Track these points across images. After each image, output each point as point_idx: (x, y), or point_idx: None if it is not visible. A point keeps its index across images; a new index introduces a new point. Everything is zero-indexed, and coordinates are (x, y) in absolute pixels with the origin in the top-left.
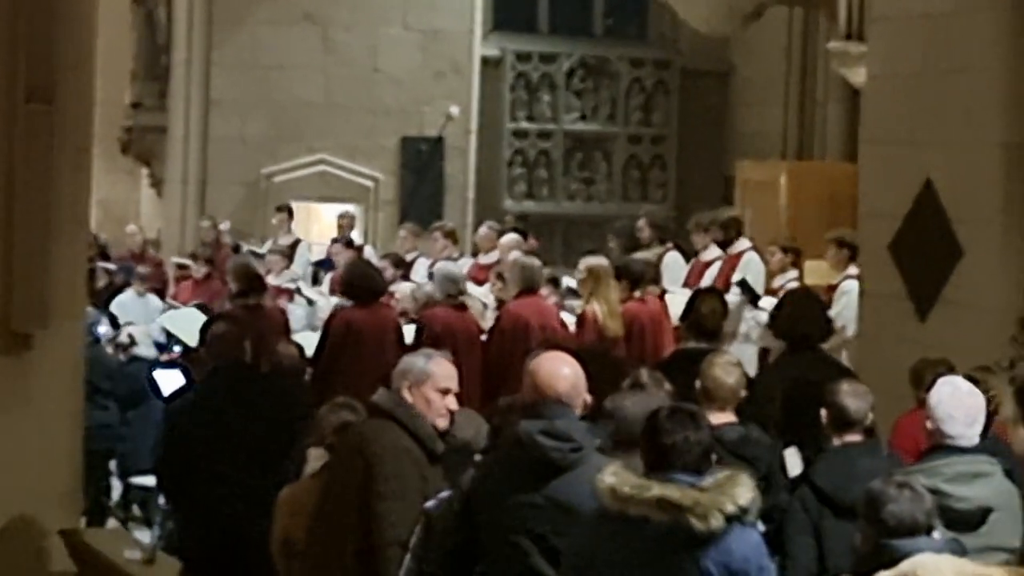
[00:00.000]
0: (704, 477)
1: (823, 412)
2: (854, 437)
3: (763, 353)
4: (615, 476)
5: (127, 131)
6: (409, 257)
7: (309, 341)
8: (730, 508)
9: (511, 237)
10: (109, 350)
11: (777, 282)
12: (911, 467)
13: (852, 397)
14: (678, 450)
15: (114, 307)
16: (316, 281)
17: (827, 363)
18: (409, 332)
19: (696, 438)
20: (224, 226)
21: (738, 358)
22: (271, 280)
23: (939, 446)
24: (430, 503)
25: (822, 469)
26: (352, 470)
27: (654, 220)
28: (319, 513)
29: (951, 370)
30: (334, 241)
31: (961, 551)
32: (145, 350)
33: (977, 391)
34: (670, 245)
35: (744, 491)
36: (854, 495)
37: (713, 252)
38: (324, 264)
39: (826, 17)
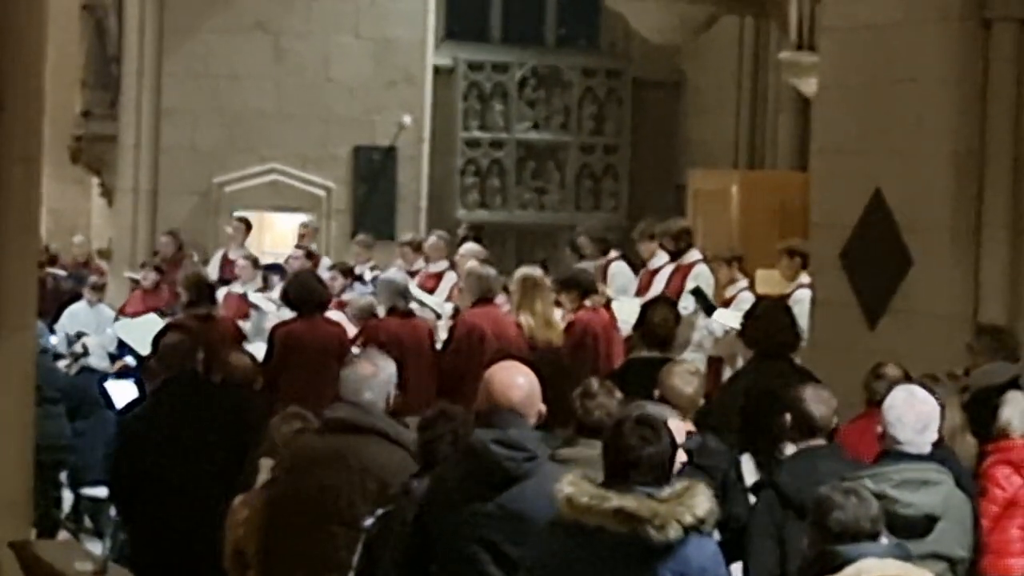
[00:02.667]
0: (662, 488)
1: (787, 417)
2: (818, 442)
3: (713, 362)
4: (573, 486)
5: (77, 140)
6: (359, 269)
7: (260, 352)
8: (688, 519)
9: (470, 246)
10: (64, 361)
11: (729, 292)
12: (861, 471)
13: (817, 403)
14: (639, 465)
15: (65, 317)
16: (267, 283)
17: (797, 372)
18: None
19: (658, 451)
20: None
21: (697, 366)
22: (237, 288)
23: (889, 451)
24: (368, 521)
25: (785, 472)
26: (348, 484)
27: (593, 233)
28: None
29: (907, 377)
30: (297, 247)
31: (906, 556)
32: (97, 361)
33: (932, 399)
34: (616, 255)
35: (702, 501)
36: None
37: (661, 259)
38: (275, 269)
39: (777, 27)
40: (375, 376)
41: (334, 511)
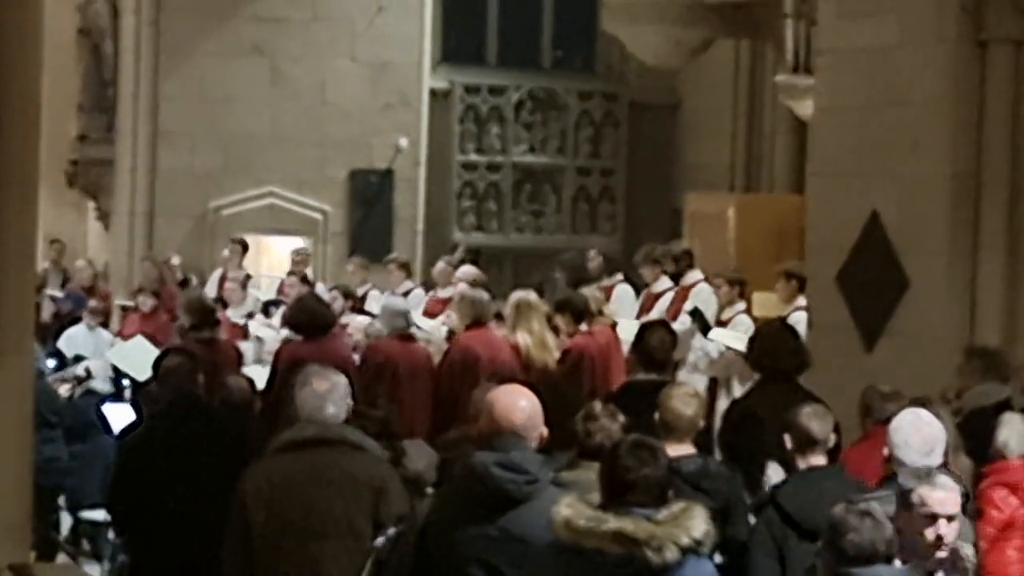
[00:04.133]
0: (660, 509)
1: (786, 436)
2: (818, 459)
3: (712, 383)
4: (570, 508)
5: (74, 164)
6: (360, 291)
7: (258, 376)
8: (685, 540)
9: (466, 269)
10: (66, 385)
11: (726, 314)
12: (868, 494)
13: (814, 419)
14: (636, 484)
15: (63, 340)
16: (267, 314)
17: (801, 394)
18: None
19: (654, 475)
20: (175, 260)
21: (696, 389)
22: (229, 312)
23: (896, 474)
24: (379, 539)
25: (788, 492)
26: (340, 498)
27: (605, 252)
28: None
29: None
30: (289, 274)
31: None
32: (101, 384)
33: (936, 422)
34: (620, 277)
35: (699, 523)
36: (818, 518)
37: (664, 284)
38: (275, 304)
39: (773, 50)
40: (333, 390)
41: (329, 527)
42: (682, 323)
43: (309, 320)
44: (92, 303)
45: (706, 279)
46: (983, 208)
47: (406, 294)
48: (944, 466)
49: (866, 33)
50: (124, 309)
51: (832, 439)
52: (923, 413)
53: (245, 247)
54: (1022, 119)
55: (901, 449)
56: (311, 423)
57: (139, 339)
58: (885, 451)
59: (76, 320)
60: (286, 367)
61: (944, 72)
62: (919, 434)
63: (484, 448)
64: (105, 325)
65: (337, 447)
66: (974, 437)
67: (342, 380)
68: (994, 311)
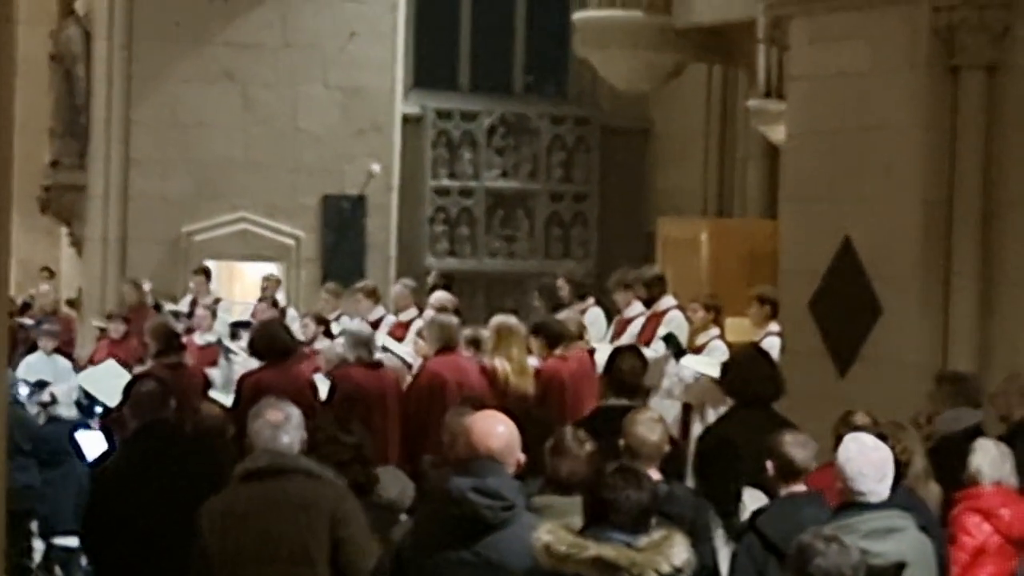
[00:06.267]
0: (640, 536)
1: (768, 464)
2: (799, 486)
3: (686, 409)
4: (551, 534)
5: (46, 190)
6: (332, 316)
7: (226, 402)
8: (665, 568)
9: (439, 295)
10: (33, 409)
11: (701, 339)
12: (827, 524)
13: (797, 447)
14: (618, 508)
15: (22, 368)
16: (235, 336)
17: (777, 421)
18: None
19: (637, 498)
20: (147, 286)
21: (660, 414)
22: (197, 338)
23: (851, 503)
24: None
25: (768, 518)
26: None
27: (572, 277)
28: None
29: (876, 424)
30: (259, 300)
31: None
32: (66, 410)
33: (883, 445)
34: (591, 301)
35: (680, 551)
36: None
37: (636, 309)
38: (245, 326)
39: (745, 75)
40: (288, 420)
41: (284, 553)
42: (655, 350)
43: (270, 345)
44: (46, 326)
45: (678, 305)
46: (955, 234)
47: (377, 322)
48: (895, 489)
49: (838, 59)
50: (101, 331)
51: (813, 466)
52: (866, 438)
53: (208, 274)
54: (993, 145)
55: (855, 480)
56: (263, 453)
57: (110, 363)
58: (839, 484)
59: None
60: (249, 395)
61: (916, 98)
62: (870, 461)
63: (461, 473)
64: (70, 350)
65: (292, 475)
66: (945, 463)
67: (296, 411)
68: (966, 337)
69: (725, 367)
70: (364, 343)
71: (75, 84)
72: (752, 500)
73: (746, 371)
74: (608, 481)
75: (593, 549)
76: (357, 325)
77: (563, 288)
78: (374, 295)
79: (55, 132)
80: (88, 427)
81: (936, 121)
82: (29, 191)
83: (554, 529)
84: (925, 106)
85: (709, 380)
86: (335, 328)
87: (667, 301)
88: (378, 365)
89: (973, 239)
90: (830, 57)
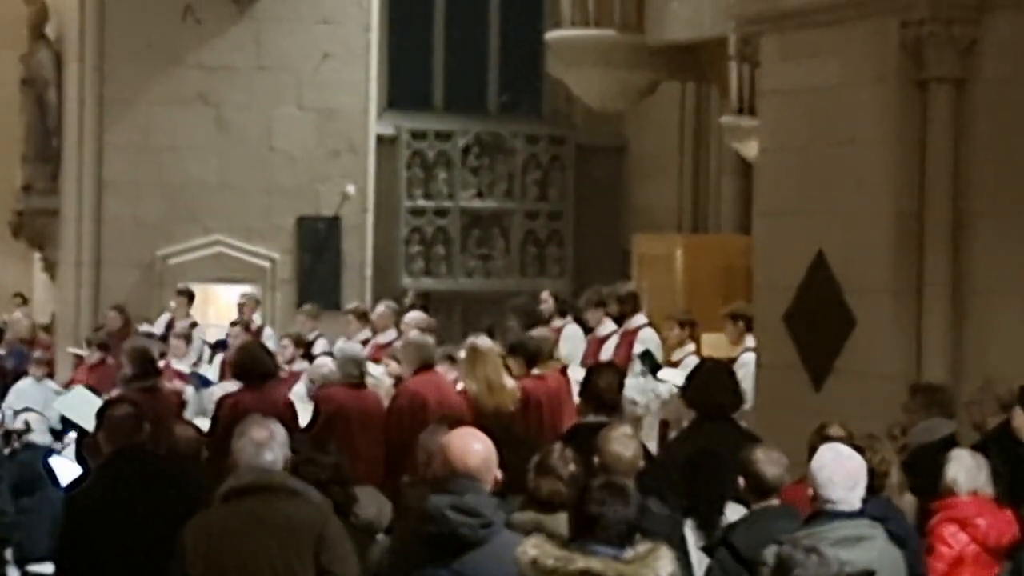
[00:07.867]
0: (626, 549)
1: (740, 480)
2: (771, 500)
3: (663, 425)
4: (537, 548)
5: (18, 215)
6: (310, 337)
7: (202, 425)
8: None
9: (414, 315)
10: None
11: (676, 355)
12: (797, 532)
13: (768, 464)
14: (605, 522)
15: (11, 395)
16: (210, 363)
17: (741, 434)
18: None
19: (624, 512)
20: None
21: (632, 431)
22: (174, 364)
23: (822, 512)
24: None
25: (740, 531)
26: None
27: (557, 294)
28: None
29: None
30: (233, 324)
31: None
32: (39, 437)
33: (856, 455)
34: (570, 319)
35: (666, 564)
36: None
37: (608, 327)
38: (222, 345)
39: (718, 92)
40: (272, 438)
41: (266, 573)
42: (633, 372)
43: (250, 367)
44: (37, 354)
45: (650, 323)
46: (927, 245)
47: (365, 343)
48: (867, 499)
49: (808, 74)
50: (78, 359)
51: (785, 481)
52: (842, 448)
53: (191, 297)
54: (962, 157)
55: (827, 488)
56: (249, 470)
57: (79, 389)
58: (810, 491)
59: (21, 375)
60: (227, 417)
61: (885, 112)
62: (843, 470)
63: (439, 491)
64: (51, 375)
65: (275, 493)
66: (920, 473)
67: (280, 429)
68: (939, 348)
69: (687, 379)
70: (355, 362)
71: (47, 108)
72: (735, 515)
73: (704, 382)
74: (595, 496)
75: (580, 562)
76: (350, 345)
77: (547, 302)
78: (364, 317)
79: (27, 157)
80: (59, 453)
81: (906, 134)
82: (1, 216)
83: (540, 543)
84: (895, 120)
85: None
86: (316, 349)
87: (638, 319)
88: (362, 385)
89: (944, 250)
90: (800, 73)
